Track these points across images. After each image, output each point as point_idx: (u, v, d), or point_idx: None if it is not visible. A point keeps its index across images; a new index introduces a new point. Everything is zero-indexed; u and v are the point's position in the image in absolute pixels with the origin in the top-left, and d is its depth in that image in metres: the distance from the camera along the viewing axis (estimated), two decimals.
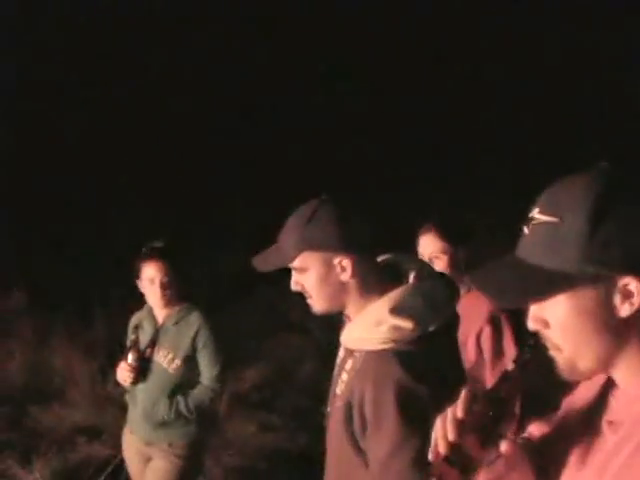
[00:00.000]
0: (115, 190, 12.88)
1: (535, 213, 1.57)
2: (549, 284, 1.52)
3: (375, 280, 2.64)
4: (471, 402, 1.66)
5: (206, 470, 5.67)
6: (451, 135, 15.13)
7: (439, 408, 2.44)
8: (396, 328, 2.49)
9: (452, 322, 2.74)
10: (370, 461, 2.53)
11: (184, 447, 4.48)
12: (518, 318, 3.90)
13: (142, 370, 4.43)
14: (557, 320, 1.54)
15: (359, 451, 2.57)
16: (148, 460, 4.56)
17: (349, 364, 2.65)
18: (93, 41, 14.23)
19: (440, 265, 3.99)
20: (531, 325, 1.62)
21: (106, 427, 6.71)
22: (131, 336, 4.49)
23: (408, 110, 15.28)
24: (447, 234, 4.07)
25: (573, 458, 1.76)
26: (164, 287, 4.37)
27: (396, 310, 2.51)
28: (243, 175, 13.80)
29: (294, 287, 2.72)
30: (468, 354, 3.95)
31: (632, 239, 1.45)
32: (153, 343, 4.48)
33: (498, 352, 3.94)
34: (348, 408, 2.55)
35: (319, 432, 2.98)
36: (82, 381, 7.56)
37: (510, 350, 3.91)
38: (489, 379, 3.99)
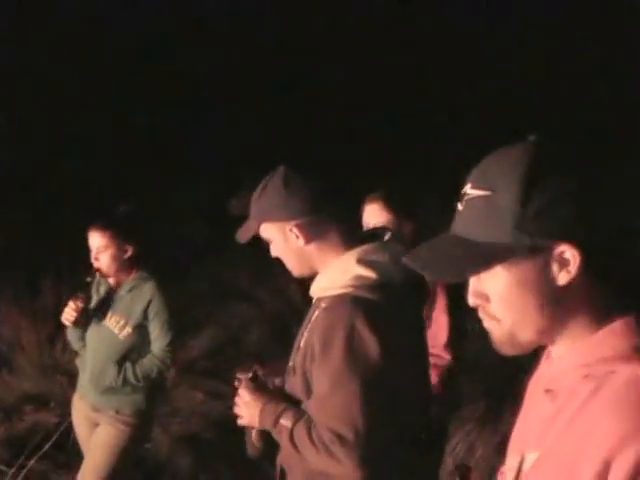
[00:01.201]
0: (66, 158, 12.72)
1: (467, 189, 1.58)
2: (486, 256, 1.53)
3: (338, 240, 2.71)
4: None
5: (153, 438, 5.71)
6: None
7: (386, 362, 2.51)
8: (359, 276, 2.58)
9: (418, 287, 2.81)
10: (312, 397, 2.61)
11: (131, 415, 4.50)
12: (454, 290, 3.96)
13: (86, 317, 4.45)
14: (497, 292, 1.56)
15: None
16: (95, 426, 4.58)
17: (315, 315, 2.71)
18: None
19: None
20: (471, 301, 1.63)
21: (54, 395, 6.71)
22: (87, 279, 4.48)
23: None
24: (393, 206, 4.07)
25: (518, 427, 1.83)
26: (95, 258, 4.37)
27: (362, 261, 2.60)
28: (198, 151, 13.71)
29: (273, 254, 2.84)
30: None
31: (565, 207, 1.47)
32: (106, 306, 4.49)
33: (428, 319, 3.96)
34: (306, 356, 2.64)
35: None
36: (30, 349, 7.53)
37: (441, 319, 3.97)
38: None
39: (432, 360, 3.92)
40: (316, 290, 2.77)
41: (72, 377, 5.56)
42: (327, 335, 2.53)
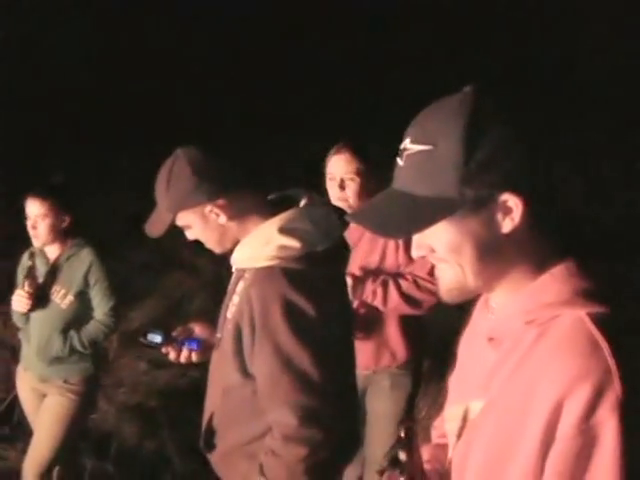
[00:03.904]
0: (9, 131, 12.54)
1: (407, 143, 1.57)
2: (431, 212, 1.53)
3: (258, 212, 2.70)
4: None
5: (99, 409, 5.72)
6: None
7: (325, 327, 2.54)
8: (283, 247, 2.56)
9: (340, 251, 2.86)
10: (258, 380, 2.60)
11: (79, 383, 4.52)
12: None
13: (39, 298, 4.40)
14: (442, 244, 1.57)
15: (247, 377, 2.65)
16: (43, 397, 4.58)
17: (240, 286, 2.70)
18: None
19: (352, 187, 4.00)
20: (415, 252, 1.65)
21: None
22: (27, 263, 4.45)
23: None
24: (362, 155, 4.06)
25: (458, 378, 1.88)
26: (32, 226, 4.34)
27: (284, 230, 2.58)
28: (135, 118, 13.60)
29: (190, 238, 2.81)
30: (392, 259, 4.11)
31: (506, 157, 1.48)
32: (48, 278, 4.45)
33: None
34: (237, 329, 2.61)
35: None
36: None
37: None
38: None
39: (420, 282, 3.97)
40: (238, 260, 2.75)
41: (15, 351, 5.53)
42: (263, 314, 2.52)
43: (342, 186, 4.02)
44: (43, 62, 13.69)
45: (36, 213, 4.32)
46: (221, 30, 15.52)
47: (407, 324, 4.20)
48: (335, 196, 4.02)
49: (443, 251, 1.59)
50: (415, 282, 4.01)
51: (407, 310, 4.07)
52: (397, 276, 4.06)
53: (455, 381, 1.91)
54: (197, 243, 2.85)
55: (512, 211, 1.52)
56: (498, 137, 1.49)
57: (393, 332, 4.18)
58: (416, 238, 1.63)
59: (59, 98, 13.52)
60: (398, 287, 4.02)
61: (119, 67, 14.36)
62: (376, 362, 4.19)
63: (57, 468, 4.62)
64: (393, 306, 4.04)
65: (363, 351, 3.87)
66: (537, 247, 1.59)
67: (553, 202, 1.57)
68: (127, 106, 13.72)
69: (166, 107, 13.85)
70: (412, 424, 1.80)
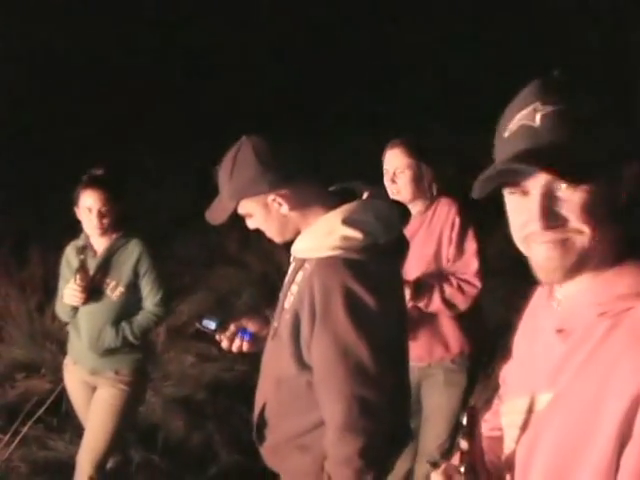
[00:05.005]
0: (52, 123, 12.65)
1: (538, 105, 1.51)
2: (587, 166, 1.46)
3: (320, 203, 2.70)
4: None
5: (146, 401, 5.76)
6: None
7: (384, 319, 2.54)
8: (346, 237, 2.57)
9: (401, 244, 2.84)
10: (315, 368, 2.61)
11: (130, 374, 4.55)
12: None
13: (91, 291, 4.41)
14: (581, 208, 1.49)
15: (302, 367, 2.65)
16: (93, 390, 4.61)
17: (299, 276, 2.70)
18: None
19: (402, 180, 4.14)
20: (543, 224, 1.53)
21: (44, 362, 6.74)
22: (77, 256, 4.44)
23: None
24: (413, 150, 4.18)
25: (519, 371, 1.86)
26: (101, 216, 4.31)
27: (347, 221, 2.58)
28: (178, 112, 13.69)
29: (251, 227, 2.81)
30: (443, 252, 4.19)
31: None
32: (98, 271, 4.46)
33: (456, 247, 4.13)
34: (296, 318, 2.62)
35: (258, 361, 3.02)
36: (19, 318, 7.54)
37: (471, 246, 4.11)
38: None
39: (464, 287, 4.06)
40: (299, 250, 2.75)
41: (62, 344, 5.58)
42: (324, 302, 2.52)
43: (394, 180, 4.14)
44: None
45: (103, 202, 4.31)
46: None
47: (462, 318, 4.25)
48: (388, 189, 4.12)
49: (580, 215, 1.50)
50: (459, 287, 4.10)
51: (446, 312, 4.18)
52: (443, 280, 4.13)
53: (515, 374, 1.90)
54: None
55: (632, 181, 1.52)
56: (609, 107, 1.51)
57: (446, 324, 4.25)
58: (545, 208, 1.52)
59: (107, 95, 13.66)
60: (442, 293, 4.11)
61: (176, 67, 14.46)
62: (430, 354, 4.26)
63: (112, 459, 4.69)
64: (434, 309, 4.15)
65: (417, 343, 3.97)
66: (619, 234, 1.55)
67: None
68: (172, 105, 13.82)
69: (212, 107, 13.91)
70: (475, 412, 1.78)
